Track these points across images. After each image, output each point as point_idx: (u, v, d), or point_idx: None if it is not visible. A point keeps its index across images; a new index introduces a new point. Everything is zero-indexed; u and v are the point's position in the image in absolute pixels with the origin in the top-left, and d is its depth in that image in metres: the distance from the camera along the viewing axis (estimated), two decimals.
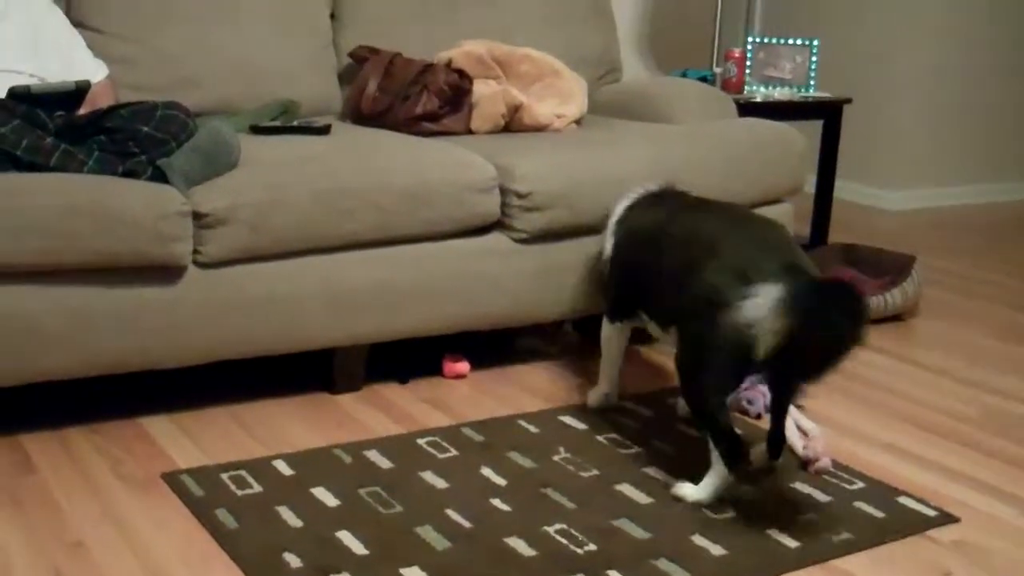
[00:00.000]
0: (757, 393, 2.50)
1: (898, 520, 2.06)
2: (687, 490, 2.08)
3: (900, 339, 3.14)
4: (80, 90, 2.44)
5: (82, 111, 2.46)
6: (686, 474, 2.14)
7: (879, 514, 2.07)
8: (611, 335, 2.46)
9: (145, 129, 2.28)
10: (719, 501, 2.07)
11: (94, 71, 2.70)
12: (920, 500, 2.13)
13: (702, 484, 2.07)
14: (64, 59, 2.63)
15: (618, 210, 2.47)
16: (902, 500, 2.13)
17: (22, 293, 2.16)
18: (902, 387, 2.77)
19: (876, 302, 3.17)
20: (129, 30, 2.88)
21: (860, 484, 2.19)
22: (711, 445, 2.04)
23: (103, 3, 2.87)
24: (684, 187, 2.50)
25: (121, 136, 2.28)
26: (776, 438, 2.19)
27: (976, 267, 3.97)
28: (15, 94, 2.35)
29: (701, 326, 2.01)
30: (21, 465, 2.17)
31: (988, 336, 3.20)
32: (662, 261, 2.17)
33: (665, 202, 2.36)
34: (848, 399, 2.67)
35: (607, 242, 2.45)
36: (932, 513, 2.09)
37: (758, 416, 2.49)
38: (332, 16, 3.23)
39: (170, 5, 2.96)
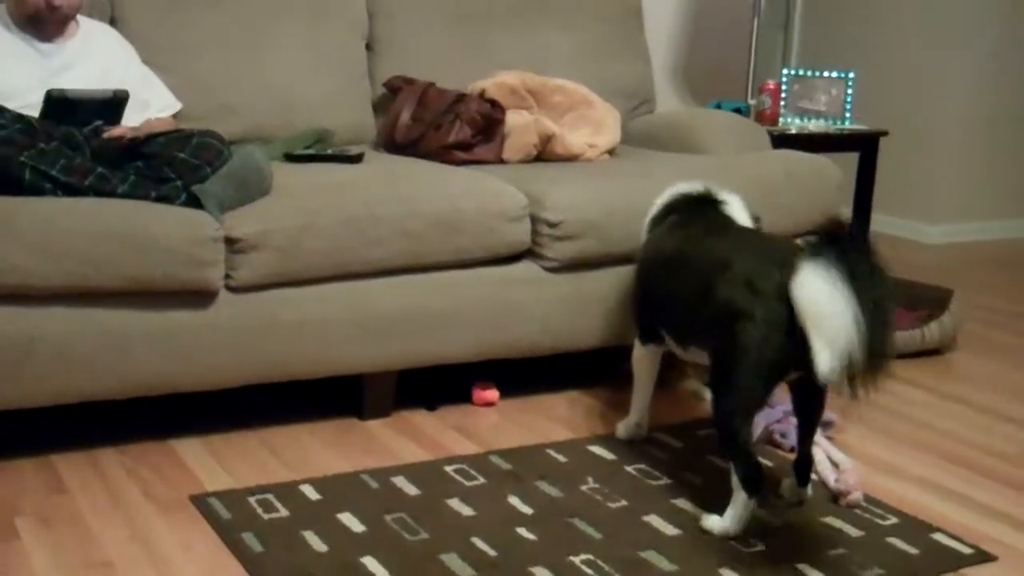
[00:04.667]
0: (790, 426, 2.47)
1: (932, 557, 2.02)
2: (714, 522, 2.06)
3: (938, 374, 3.09)
4: (118, 99, 2.47)
5: (135, 130, 2.50)
6: (715, 506, 2.11)
7: (912, 550, 2.03)
8: (642, 356, 2.44)
9: (181, 155, 2.32)
10: (748, 534, 2.04)
11: (164, 108, 2.76)
12: (955, 537, 2.09)
13: (726, 514, 2.04)
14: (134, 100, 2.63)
15: (649, 219, 2.47)
16: (936, 536, 2.09)
17: (55, 315, 2.18)
18: (938, 422, 2.72)
19: (912, 335, 3.14)
20: (167, 58, 2.93)
21: (893, 519, 2.15)
22: (732, 470, 2.02)
23: (142, 32, 2.92)
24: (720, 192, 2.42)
25: (157, 162, 2.32)
26: (803, 463, 2.18)
27: (1017, 302, 3.91)
28: (51, 98, 2.38)
29: (722, 341, 2.01)
30: (52, 485, 2.19)
31: None
32: (679, 284, 2.18)
33: (685, 225, 2.34)
34: (881, 432, 2.63)
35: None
36: (968, 551, 2.04)
37: (791, 449, 2.46)
38: (367, 47, 3.27)
39: (208, 35, 3.01)
